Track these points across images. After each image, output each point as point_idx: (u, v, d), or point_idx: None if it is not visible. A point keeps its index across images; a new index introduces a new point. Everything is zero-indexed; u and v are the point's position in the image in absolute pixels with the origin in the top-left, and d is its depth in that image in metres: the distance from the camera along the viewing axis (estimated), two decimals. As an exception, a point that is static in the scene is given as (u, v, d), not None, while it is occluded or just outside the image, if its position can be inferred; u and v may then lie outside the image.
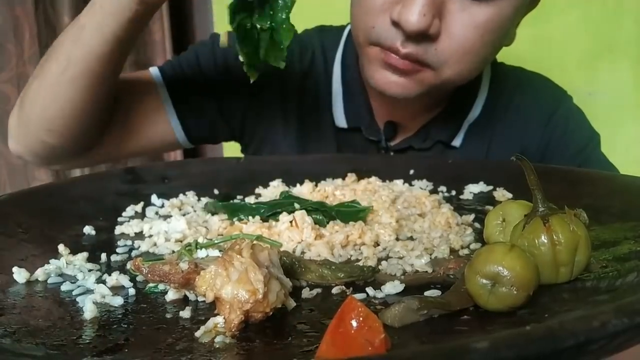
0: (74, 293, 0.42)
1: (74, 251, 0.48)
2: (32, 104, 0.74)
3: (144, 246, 0.51)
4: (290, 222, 0.52)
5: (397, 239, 0.52)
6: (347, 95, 0.89)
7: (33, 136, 0.76)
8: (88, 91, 0.71)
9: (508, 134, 0.88)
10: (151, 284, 0.42)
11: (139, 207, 0.62)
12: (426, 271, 0.45)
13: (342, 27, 0.94)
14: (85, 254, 0.47)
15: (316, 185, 0.66)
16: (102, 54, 0.68)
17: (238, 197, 0.67)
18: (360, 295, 0.40)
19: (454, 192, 0.67)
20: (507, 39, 0.78)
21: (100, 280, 0.43)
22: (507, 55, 0.93)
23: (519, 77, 0.94)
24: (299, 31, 0.97)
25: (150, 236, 0.53)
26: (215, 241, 0.47)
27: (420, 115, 0.87)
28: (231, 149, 1.32)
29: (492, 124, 0.88)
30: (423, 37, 0.68)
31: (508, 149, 0.87)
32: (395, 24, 0.68)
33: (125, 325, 0.36)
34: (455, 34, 0.69)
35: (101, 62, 0.69)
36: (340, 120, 0.88)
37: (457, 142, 0.87)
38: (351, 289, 0.42)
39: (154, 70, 0.88)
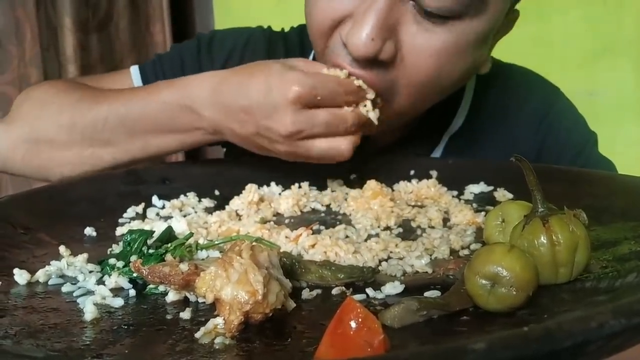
0: (74, 294, 0.42)
1: (74, 252, 0.48)
2: (62, 168, 0.72)
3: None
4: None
5: (401, 239, 0.52)
6: None
7: (44, 180, 0.76)
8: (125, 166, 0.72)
9: (493, 144, 0.82)
10: (151, 285, 0.42)
11: (139, 208, 0.63)
12: (426, 272, 0.45)
13: None
14: (85, 255, 0.47)
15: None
16: (157, 157, 0.71)
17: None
18: (360, 296, 0.40)
19: (455, 193, 0.67)
20: (478, 68, 0.71)
21: (100, 282, 0.43)
22: (507, 55, 0.92)
23: (505, 77, 0.87)
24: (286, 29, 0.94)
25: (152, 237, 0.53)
26: (216, 242, 0.48)
27: (397, 127, 0.80)
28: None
29: (475, 135, 0.82)
30: (373, 62, 0.61)
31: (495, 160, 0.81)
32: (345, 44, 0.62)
33: (126, 327, 0.37)
34: (408, 63, 0.62)
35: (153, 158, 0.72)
36: None
37: (435, 155, 0.82)
38: (351, 289, 0.42)
39: (134, 71, 0.86)
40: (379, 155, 0.85)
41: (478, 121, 0.82)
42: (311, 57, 0.86)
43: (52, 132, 0.72)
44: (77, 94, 0.74)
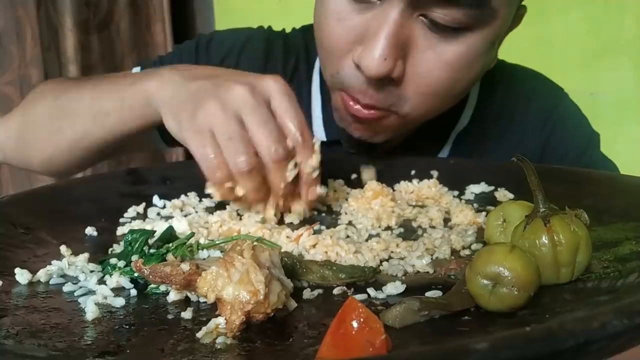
0: (75, 294, 0.42)
1: (75, 252, 0.48)
2: (37, 150, 0.76)
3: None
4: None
5: (402, 239, 0.52)
6: (325, 106, 0.83)
7: (30, 167, 0.80)
8: (100, 156, 0.74)
9: (500, 142, 0.84)
10: (152, 285, 0.42)
11: (140, 208, 0.62)
12: (427, 272, 0.45)
13: None
14: (86, 255, 0.47)
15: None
16: (120, 140, 0.71)
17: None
18: (361, 296, 0.40)
19: (455, 193, 0.67)
20: (487, 67, 0.71)
21: (101, 281, 0.43)
22: (508, 56, 0.92)
23: (511, 76, 0.88)
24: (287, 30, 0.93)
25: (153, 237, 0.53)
26: (217, 242, 0.48)
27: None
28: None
29: (482, 133, 0.84)
30: (385, 80, 0.62)
31: (500, 158, 0.82)
32: (358, 66, 0.62)
33: (127, 326, 0.37)
34: (420, 75, 0.62)
35: (118, 144, 0.72)
36: (319, 134, 0.84)
37: (443, 154, 0.83)
38: (352, 289, 0.42)
39: (136, 72, 0.86)
40: (379, 155, 0.85)
41: (484, 120, 0.83)
42: (317, 62, 0.86)
43: (36, 117, 0.75)
44: (67, 84, 0.77)
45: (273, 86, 0.57)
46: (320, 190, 0.59)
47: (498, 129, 0.84)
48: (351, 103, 0.66)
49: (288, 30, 0.93)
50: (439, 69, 0.62)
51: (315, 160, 0.57)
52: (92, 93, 0.71)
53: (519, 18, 0.72)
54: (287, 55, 0.87)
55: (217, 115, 0.54)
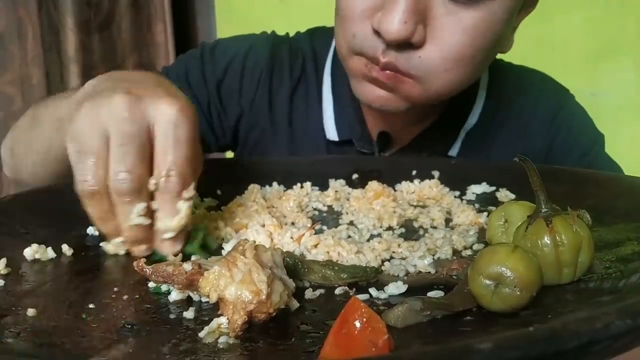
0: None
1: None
2: (22, 163, 0.77)
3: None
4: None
5: (404, 239, 0.52)
6: (337, 105, 0.85)
7: (23, 181, 0.81)
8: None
9: (508, 140, 0.85)
10: (155, 285, 0.42)
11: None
12: (429, 272, 0.45)
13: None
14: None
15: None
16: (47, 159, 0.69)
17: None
18: (363, 296, 0.40)
19: (457, 193, 0.67)
20: (504, 45, 0.73)
21: (104, 281, 0.43)
22: (509, 56, 0.92)
23: (519, 77, 0.90)
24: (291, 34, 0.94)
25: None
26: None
27: (415, 124, 0.83)
28: (234, 150, 1.33)
29: (491, 131, 0.85)
30: (406, 45, 0.63)
31: (508, 156, 0.84)
32: (377, 32, 0.63)
33: (129, 326, 0.37)
34: (442, 40, 0.63)
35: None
36: (331, 133, 0.85)
37: (453, 152, 0.84)
38: (354, 289, 0.42)
39: None
40: (381, 156, 0.85)
41: (493, 119, 0.85)
42: (328, 63, 0.87)
43: (19, 130, 0.77)
44: (49, 98, 0.77)
45: (163, 109, 0.46)
46: (175, 248, 0.47)
47: (506, 128, 0.86)
48: (372, 67, 0.66)
49: (292, 32, 0.94)
50: (460, 33, 0.63)
51: (174, 222, 0.46)
52: (55, 102, 0.69)
53: (534, 1, 0.74)
54: (294, 57, 0.88)
55: (84, 125, 0.46)
